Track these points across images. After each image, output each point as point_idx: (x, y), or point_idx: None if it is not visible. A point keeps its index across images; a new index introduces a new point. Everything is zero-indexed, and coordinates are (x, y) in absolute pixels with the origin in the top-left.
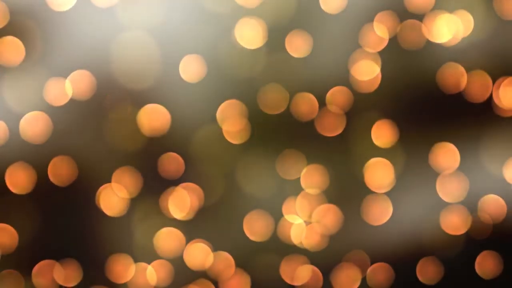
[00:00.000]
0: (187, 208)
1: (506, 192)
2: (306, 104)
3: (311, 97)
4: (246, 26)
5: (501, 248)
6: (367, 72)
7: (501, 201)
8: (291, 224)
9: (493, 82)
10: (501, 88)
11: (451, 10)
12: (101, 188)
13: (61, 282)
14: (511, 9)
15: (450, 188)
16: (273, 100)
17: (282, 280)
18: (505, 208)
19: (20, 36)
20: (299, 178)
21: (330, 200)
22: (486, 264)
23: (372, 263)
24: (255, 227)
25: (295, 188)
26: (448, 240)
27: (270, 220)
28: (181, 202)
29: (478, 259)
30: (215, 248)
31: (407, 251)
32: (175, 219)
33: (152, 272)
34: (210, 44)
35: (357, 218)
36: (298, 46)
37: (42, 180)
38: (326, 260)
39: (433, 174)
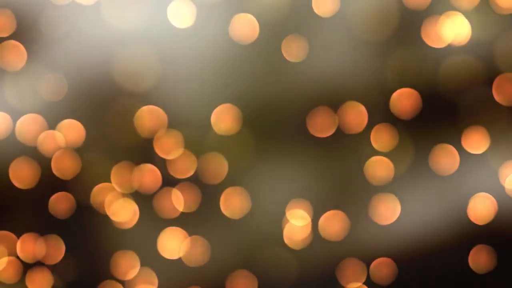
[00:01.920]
0: (187, 207)
1: (500, 192)
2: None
3: (310, 97)
4: (242, 24)
5: (495, 244)
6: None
7: (493, 199)
8: (294, 223)
9: (493, 81)
10: (501, 87)
11: (450, 9)
12: (100, 186)
13: (63, 276)
14: (510, 6)
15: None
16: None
17: (286, 279)
18: (497, 206)
19: (21, 36)
20: (300, 178)
21: (332, 200)
22: (479, 259)
23: (375, 259)
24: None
25: (297, 188)
26: (446, 237)
27: (273, 220)
28: (181, 201)
29: (471, 254)
30: (217, 248)
31: (408, 248)
32: (176, 219)
33: (154, 271)
34: (207, 43)
35: (360, 217)
36: (293, 48)
37: (45, 175)
38: (330, 257)
39: (433, 175)
